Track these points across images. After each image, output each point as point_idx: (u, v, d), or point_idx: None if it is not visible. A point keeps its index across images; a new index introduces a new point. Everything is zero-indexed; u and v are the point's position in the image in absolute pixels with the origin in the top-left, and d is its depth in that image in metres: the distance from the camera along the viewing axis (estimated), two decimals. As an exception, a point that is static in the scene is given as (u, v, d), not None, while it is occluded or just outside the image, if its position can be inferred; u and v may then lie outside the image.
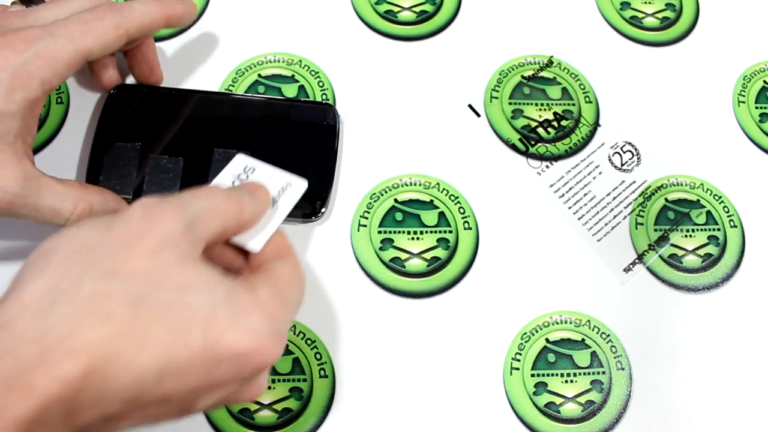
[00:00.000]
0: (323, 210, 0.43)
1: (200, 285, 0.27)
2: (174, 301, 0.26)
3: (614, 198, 0.46)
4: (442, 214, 0.44)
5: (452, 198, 0.45)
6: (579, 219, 0.45)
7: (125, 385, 0.25)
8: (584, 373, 0.41)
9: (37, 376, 0.24)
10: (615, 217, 0.45)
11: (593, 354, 0.41)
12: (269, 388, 0.39)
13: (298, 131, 0.44)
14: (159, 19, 0.40)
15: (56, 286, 0.26)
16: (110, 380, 0.25)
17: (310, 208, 0.42)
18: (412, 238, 0.43)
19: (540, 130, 0.47)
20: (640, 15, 0.52)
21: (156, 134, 0.43)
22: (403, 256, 0.43)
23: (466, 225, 0.44)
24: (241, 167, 0.34)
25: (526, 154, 0.47)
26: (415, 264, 0.43)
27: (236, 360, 0.27)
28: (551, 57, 0.50)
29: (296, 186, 0.35)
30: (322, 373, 0.40)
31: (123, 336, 0.25)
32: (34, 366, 0.24)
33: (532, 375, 0.41)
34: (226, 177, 0.34)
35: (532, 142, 0.47)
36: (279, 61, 0.48)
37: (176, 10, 0.41)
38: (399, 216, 0.44)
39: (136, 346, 0.25)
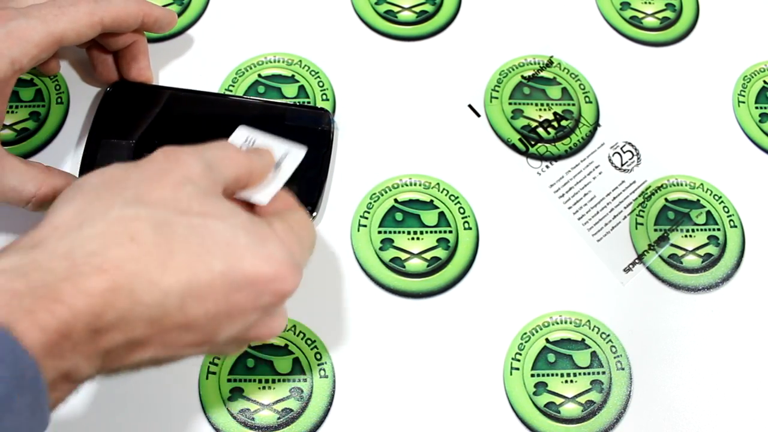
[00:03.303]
0: (314, 214, 0.43)
1: (221, 214, 0.29)
2: (196, 226, 0.28)
3: (614, 198, 0.46)
4: (442, 214, 0.44)
5: (452, 198, 0.45)
6: (579, 219, 0.45)
7: (149, 305, 0.26)
8: (584, 373, 0.41)
9: (65, 288, 0.25)
10: (615, 217, 0.45)
11: (593, 354, 0.41)
12: (269, 388, 0.39)
13: (291, 135, 0.44)
14: (135, 16, 0.41)
15: (85, 210, 0.27)
16: (135, 299, 0.26)
17: None
18: (412, 238, 0.43)
19: (540, 130, 0.47)
20: (640, 15, 0.52)
21: (150, 132, 0.43)
22: (403, 256, 0.43)
23: (466, 225, 0.44)
24: (243, 138, 0.36)
25: (526, 154, 0.47)
26: (415, 264, 0.43)
27: (255, 285, 0.28)
28: (551, 57, 0.50)
29: (296, 152, 0.36)
30: (322, 373, 0.40)
31: (147, 256, 0.26)
32: (63, 279, 0.25)
33: (532, 375, 0.41)
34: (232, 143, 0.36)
35: (532, 142, 0.47)
36: (279, 61, 0.48)
37: (154, 11, 0.42)
38: (399, 216, 0.44)
39: (159, 266, 0.26)
